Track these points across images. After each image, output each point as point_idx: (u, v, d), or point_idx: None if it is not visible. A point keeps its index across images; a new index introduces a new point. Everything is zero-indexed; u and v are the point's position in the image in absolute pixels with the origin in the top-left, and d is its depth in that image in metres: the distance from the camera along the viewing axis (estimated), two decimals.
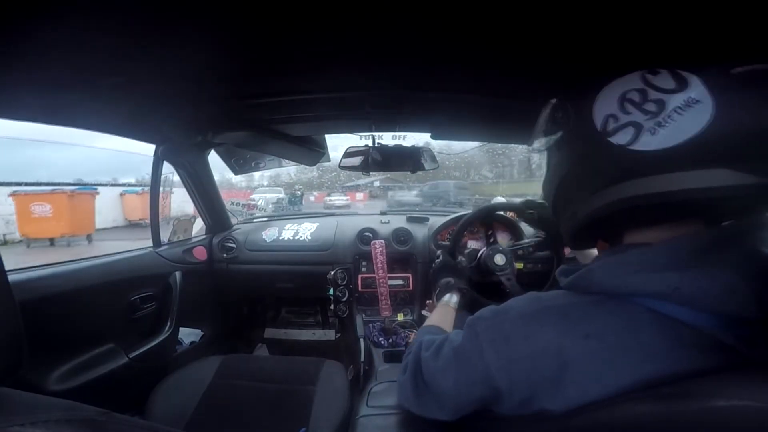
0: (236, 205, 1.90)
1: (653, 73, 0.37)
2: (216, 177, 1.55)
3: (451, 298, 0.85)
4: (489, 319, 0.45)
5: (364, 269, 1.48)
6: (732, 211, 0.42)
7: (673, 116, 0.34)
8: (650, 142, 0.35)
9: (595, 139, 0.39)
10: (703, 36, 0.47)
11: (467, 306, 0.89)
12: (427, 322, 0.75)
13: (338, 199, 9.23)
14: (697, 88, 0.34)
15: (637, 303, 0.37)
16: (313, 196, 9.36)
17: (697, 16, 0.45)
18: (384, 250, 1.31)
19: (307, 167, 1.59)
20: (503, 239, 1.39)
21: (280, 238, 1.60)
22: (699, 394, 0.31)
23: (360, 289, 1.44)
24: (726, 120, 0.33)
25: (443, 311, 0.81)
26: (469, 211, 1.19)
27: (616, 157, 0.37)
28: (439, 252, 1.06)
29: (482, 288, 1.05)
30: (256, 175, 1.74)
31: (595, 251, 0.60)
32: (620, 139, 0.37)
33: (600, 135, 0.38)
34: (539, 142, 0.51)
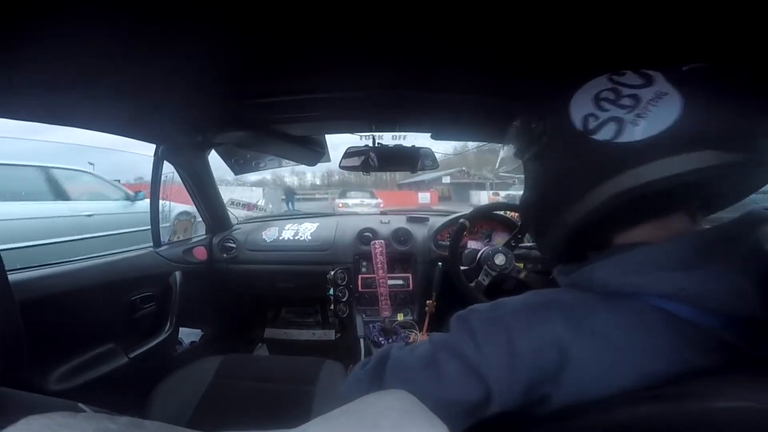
0: (236, 205, 1.90)
1: (619, 74, 0.39)
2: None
3: None
4: (486, 312, 0.43)
5: (364, 269, 1.48)
6: (718, 197, 0.44)
7: (649, 107, 0.36)
8: (635, 133, 0.36)
9: (578, 139, 0.39)
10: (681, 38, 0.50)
11: None
12: None
13: (356, 202, 5.92)
14: (662, 83, 0.36)
15: (643, 301, 0.37)
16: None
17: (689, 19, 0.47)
18: (384, 250, 1.30)
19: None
20: (503, 239, 1.39)
21: (280, 238, 1.60)
22: (700, 394, 0.31)
23: (360, 289, 1.44)
24: (695, 108, 0.35)
25: None
26: (467, 212, 1.19)
27: (604, 152, 0.38)
28: (439, 264, 1.03)
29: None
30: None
31: None
32: (604, 135, 0.37)
33: (582, 135, 0.39)
34: (513, 159, 0.50)
